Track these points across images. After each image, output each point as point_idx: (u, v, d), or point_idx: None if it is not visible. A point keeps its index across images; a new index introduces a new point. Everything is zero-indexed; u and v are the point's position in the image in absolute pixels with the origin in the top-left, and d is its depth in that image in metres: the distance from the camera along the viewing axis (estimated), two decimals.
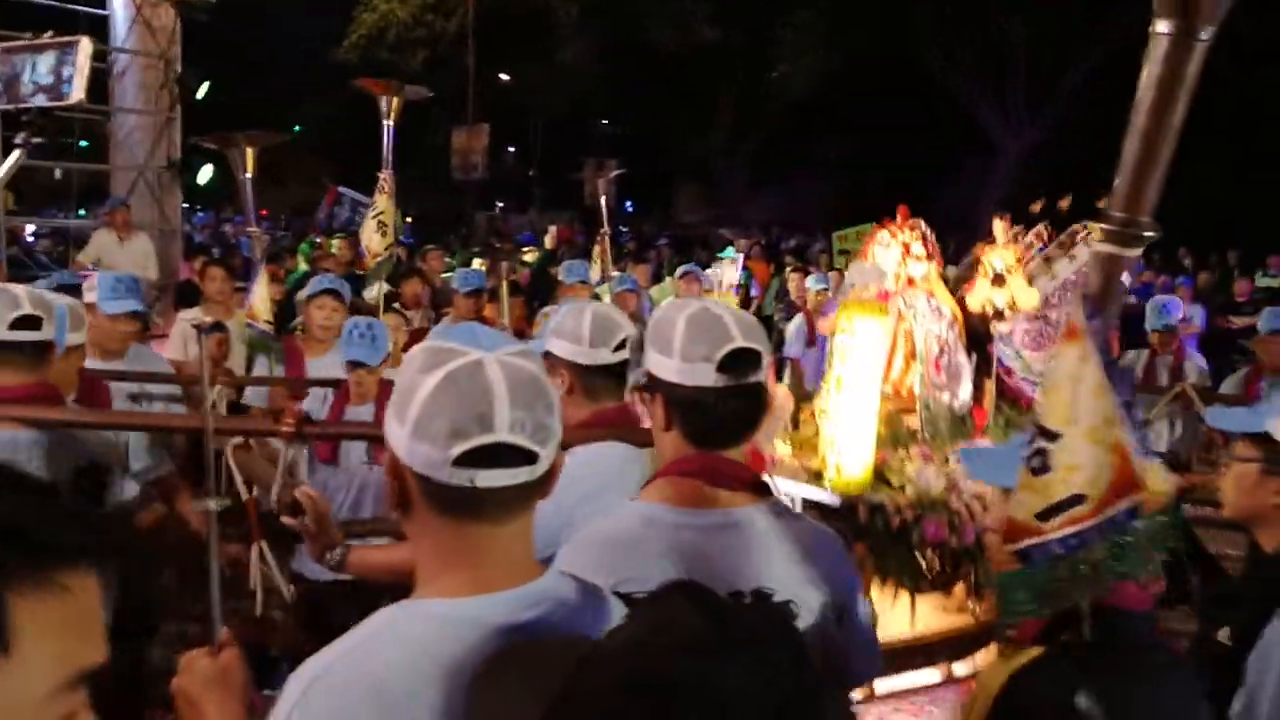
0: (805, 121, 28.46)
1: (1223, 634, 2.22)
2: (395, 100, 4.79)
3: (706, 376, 1.71)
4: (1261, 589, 2.17)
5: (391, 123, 4.83)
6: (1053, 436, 1.61)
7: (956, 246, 22.67)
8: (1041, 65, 24.17)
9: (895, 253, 5.32)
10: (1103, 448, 1.58)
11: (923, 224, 5.20)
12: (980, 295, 4.91)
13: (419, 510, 1.31)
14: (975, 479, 3.20)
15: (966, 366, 4.53)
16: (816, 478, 3.98)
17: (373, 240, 4.85)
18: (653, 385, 1.78)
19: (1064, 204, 7.11)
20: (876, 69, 25.14)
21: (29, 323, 2.67)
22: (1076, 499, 1.59)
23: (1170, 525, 1.56)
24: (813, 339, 8.48)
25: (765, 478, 1.86)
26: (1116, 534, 1.56)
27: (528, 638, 1.27)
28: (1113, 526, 1.57)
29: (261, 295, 4.69)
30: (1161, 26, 1.40)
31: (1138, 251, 1.54)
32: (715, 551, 1.69)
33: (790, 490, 3.74)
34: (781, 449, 4.23)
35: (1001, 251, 5.48)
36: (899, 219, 5.73)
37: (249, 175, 4.39)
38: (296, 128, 26.86)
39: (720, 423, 1.75)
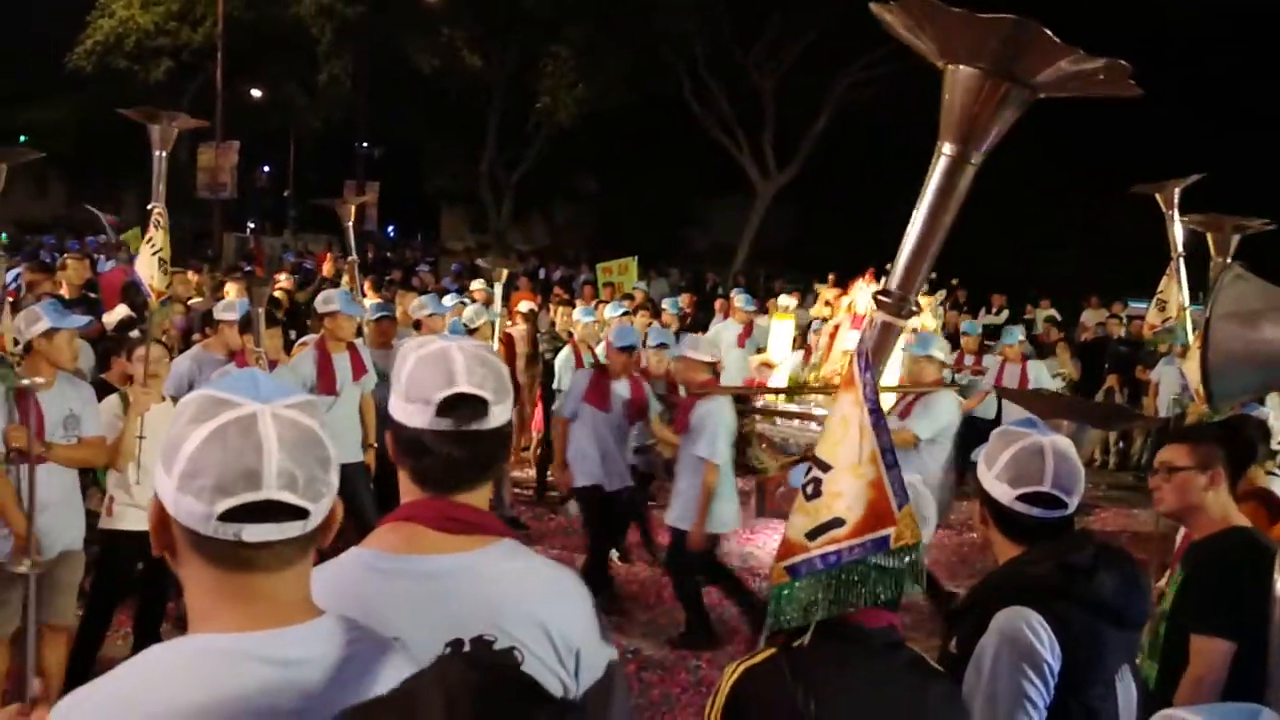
0: (568, 153, 28.89)
1: (953, 644, 2.39)
2: (171, 131, 4.58)
3: (424, 419, 1.67)
4: (980, 602, 2.38)
5: (163, 153, 4.60)
6: (825, 468, 1.84)
7: (714, 279, 23.49)
8: (788, 117, 25.70)
9: (867, 295, 8.01)
10: (863, 482, 1.81)
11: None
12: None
13: (185, 558, 1.28)
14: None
15: None
16: None
17: (154, 278, 4.64)
18: (387, 420, 1.76)
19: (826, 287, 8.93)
20: (638, 106, 25.88)
21: None
22: (837, 521, 1.82)
23: (914, 562, 1.79)
24: (580, 367, 8.55)
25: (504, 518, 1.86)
26: (866, 557, 1.78)
27: (288, 675, 1.26)
28: (863, 550, 1.79)
29: (7, 325, 4.31)
30: (947, 149, 1.72)
31: (909, 321, 1.93)
32: (435, 598, 1.65)
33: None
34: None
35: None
36: (868, 277, 8.57)
37: None
38: (22, 138, 24.55)
39: (440, 467, 1.69)
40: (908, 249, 1.82)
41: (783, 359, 9.29)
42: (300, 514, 1.25)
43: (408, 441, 1.70)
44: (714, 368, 6.03)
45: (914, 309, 1.84)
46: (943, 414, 6.42)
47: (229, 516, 1.21)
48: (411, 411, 1.68)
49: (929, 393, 6.51)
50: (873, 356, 1.85)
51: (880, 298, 1.87)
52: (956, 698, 2.03)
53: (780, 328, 9.37)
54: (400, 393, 1.70)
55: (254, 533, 1.23)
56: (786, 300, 12.44)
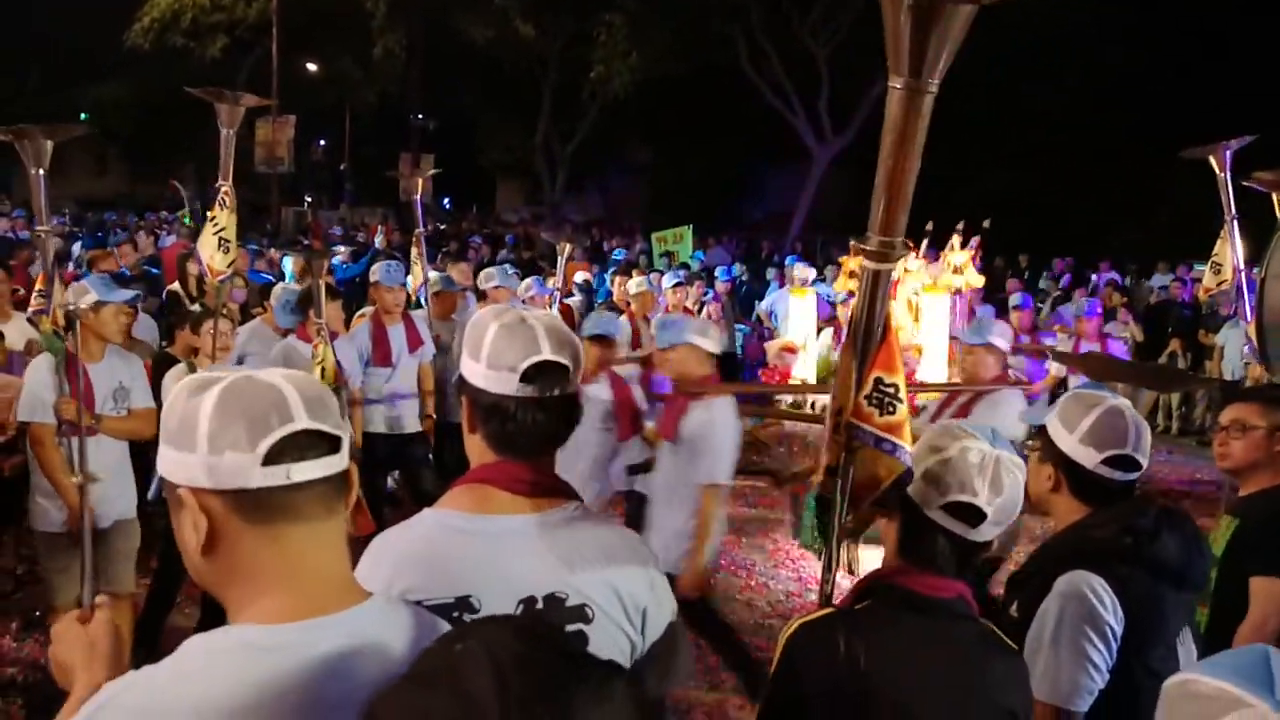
0: (621, 124, 28.75)
1: (1014, 609, 2.40)
2: (238, 110, 4.57)
3: (509, 385, 1.72)
4: (1041, 567, 2.39)
5: (231, 132, 4.59)
6: None
7: (770, 247, 23.27)
8: (843, 80, 25.27)
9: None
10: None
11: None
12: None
13: (227, 536, 1.25)
14: None
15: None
16: None
17: (215, 258, 4.63)
18: (462, 387, 1.80)
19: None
20: (691, 75, 25.63)
21: None
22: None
23: (813, 511, 1.92)
24: (637, 342, 8.52)
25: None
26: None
27: (348, 666, 1.23)
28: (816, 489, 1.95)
29: (59, 302, 4.33)
30: (898, 83, 1.66)
31: (895, 265, 1.87)
32: (508, 557, 1.71)
33: None
34: None
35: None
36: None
37: (43, 171, 4.02)
38: (84, 116, 25.03)
39: (520, 432, 1.75)
40: (881, 192, 1.78)
41: (805, 341, 8.00)
42: (334, 446, 1.26)
43: (489, 408, 1.75)
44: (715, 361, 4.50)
45: (901, 252, 1.83)
46: (1010, 420, 4.39)
47: (273, 459, 1.20)
48: (494, 378, 1.73)
49: (992, 391, 5.12)
50: (866, 310, 1.88)
51: (862, 246, 1.84)
52: (1022, 678, 1.99)
53: (799, 306, 8.03)
54: (481, 360, 1.74)
55: (301, 470, 1.22)
56: (803, 273, 10.57)
